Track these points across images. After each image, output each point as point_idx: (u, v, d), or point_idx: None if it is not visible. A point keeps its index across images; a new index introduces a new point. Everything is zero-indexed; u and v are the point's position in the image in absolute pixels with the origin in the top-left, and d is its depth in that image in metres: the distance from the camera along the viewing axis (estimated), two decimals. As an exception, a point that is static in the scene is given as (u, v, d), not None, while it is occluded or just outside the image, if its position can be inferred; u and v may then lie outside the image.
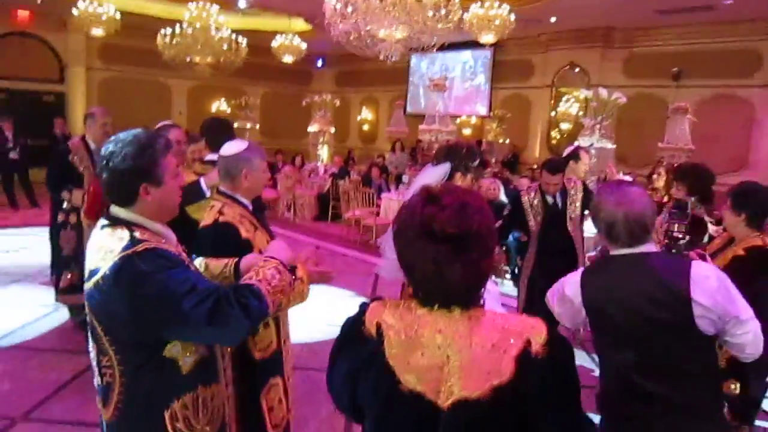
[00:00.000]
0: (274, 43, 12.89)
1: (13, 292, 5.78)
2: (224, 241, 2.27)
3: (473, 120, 15.38)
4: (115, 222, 1.59)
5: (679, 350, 1.80)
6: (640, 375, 1.82)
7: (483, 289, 1.28)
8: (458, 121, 14.51)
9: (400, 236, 1.25)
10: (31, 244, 7.72)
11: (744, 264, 2.74)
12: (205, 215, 2.43)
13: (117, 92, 14.94)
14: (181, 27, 10.97)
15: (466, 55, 15.48)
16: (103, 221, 1.63)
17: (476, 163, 3.45)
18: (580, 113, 11.72)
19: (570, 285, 1.95)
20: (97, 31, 11.05)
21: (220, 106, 16.36)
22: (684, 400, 1.79)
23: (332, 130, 13.40)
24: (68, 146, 4.66)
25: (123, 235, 1.54)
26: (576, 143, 7.77)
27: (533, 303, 4.30)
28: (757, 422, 3.16)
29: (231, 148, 2.43)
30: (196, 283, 1.53)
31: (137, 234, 1.55)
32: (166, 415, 1.60)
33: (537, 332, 1.21)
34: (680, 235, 3.00)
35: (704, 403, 1.84)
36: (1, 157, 10.63)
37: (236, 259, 2.06)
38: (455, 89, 15.17)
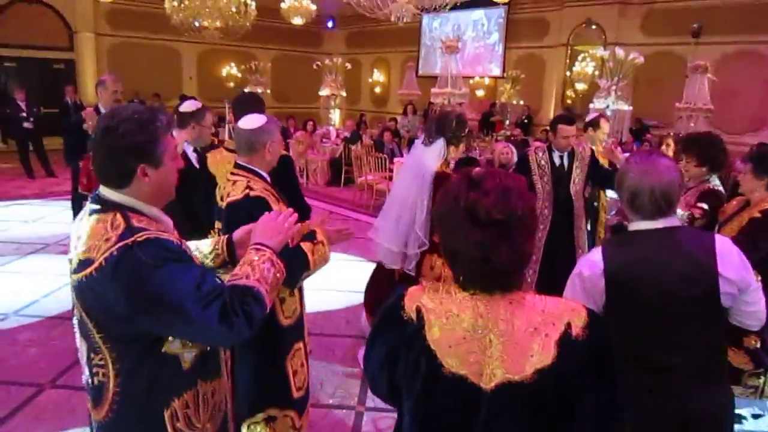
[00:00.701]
0: (283, 5, 12.65)
1: (32, 262, 5.88)
2: (258, 215, 2.24)
3: (486, 81, 15.13)
4: (107, 206, 1.44)
5: (698, 323, 1.81)
6: (657, 348, 1.82)
7: (525, 272, 1.30)
8: (471, 82, 14.29)
9: (443, 222, 1.27)
10: (48, 214, 7.83)
11: (760, 226, 2.75)
12: (227, 189, 2.41)
13: (126, 58, 14.86)
14: (188, -10, 10.80)
15: (479, 14, 15.14)
16: (91, 205, 1.47)
17: (467, 131, 3.48)
18: (596, 73, 11.47)
19: (589, 263, 1.87)
20: (104, -4, 10.91)
21: (230, 70, 16.24)
22: (695, 370, 1.82)
23: (343, 93, 13.27)
24: (82, 116, 4.66)
25: (118, 222, 1.39)
26: (591, 105, 7.64)
27: (553, 267, 4.24)
28: None
29: (252, 121, 2.40)
30: (201, 281, 1.41)
31: (134, 221, 1.41)
32: (166, 414, 1.49)
33: (577, 315, 1.24)
34: (699, 216, 3.04)
35: (713, 370, 1.87)
36: (15, 126, 10.71)
37: (227, 236, 1.95)
38: (468, 50, 14.88)
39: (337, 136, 12.14)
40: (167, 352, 1.47)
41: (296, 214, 1.84)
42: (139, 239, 1.36)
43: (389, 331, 1.34)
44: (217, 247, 1.91)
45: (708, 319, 1.82)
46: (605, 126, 4.91)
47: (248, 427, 2.55)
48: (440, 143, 3.35)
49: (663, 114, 10.24)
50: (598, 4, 12.32)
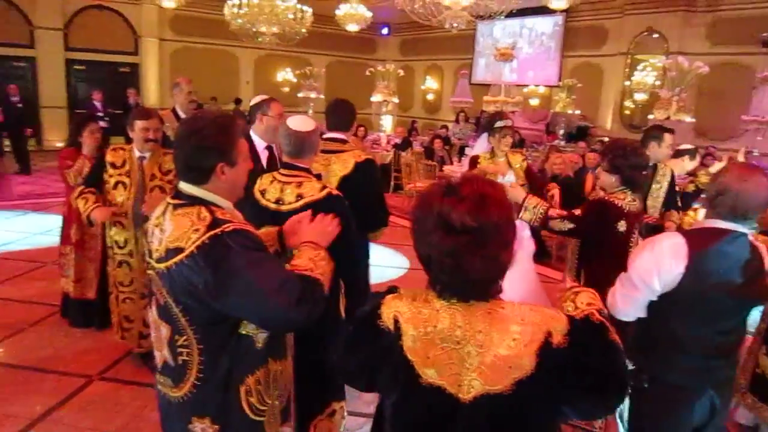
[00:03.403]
0: (339, 12, 12.80)
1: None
2: (340, 211, 2.19)
3: (541, 90, 14.86)
4: (190, 201, 1.58)
5: (743, 313, 2.09)
6: (713, 330, 2.02)
7: (502, 281, 1.26)
8: (525, 90, 14.07)
9: (417, 227, 1.23)
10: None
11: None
12: (293, 190, 2.35)
13: (187, 63, 15.33)
14: (247, -3, 11.08)
15: (535, 21, 14.91)
16: (173, 201, 1.61)
17: (498, 125, 4.15)
18: (657, 83, 11.08)
19: (670, 244, 1.96)
20: (168, 3, 11.32)
21: (285, 75, 16.53)
22: (730, 351, 2.11)
23: (395, 99, 13.29)
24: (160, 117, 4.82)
25: (204, 214, 1.52)
26: (651, 117, 7.39)
27: None
28: None
29: (306, 123, 2.43)
30: (280, 269, 1.56)
31: (218, 213, 1.54)
32: (242, 390, 1.62)
33: (557, 323, 1.20)
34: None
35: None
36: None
37: (278, 228, 1.99)
38: (522, 58, 14.65)
39: (388, 142, 12.16)
40: (244, 333, 1.60)
41: (337, 219, 1.95)
42: (227, 229, 1.50)
43: (365, 340, 1.32)
44: (268, 239, 1.95)
45: (747, 310, 2.10)
46: (668, 139, 4.52)
47: (315, 426, 2.62)
48: (483, 137, 4.43)
49: (727, 127, 9.79)
50: (660, 12, 11.90)
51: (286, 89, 16.12)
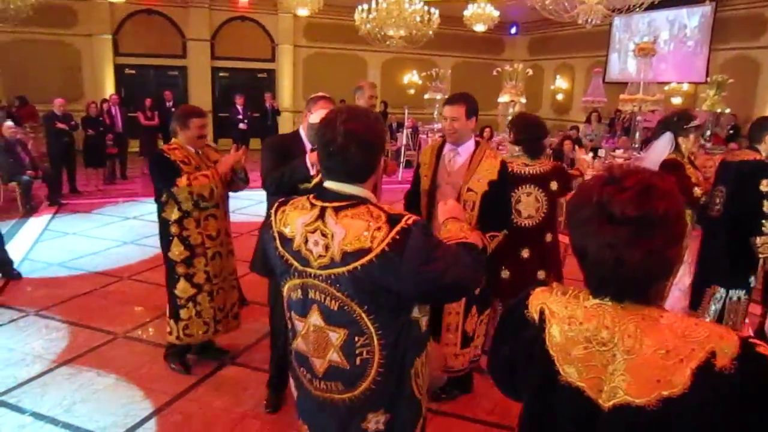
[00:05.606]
0: (466, 12, 12.71)
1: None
2: None
3: (684, 87, 13.69)
4: (353, 200, 1.53)
5: None
6: None
7: (668, 284, 1.14)
8: (666, 88, 13.03)
9: (574, 217, 1.16)
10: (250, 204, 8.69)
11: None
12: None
13: (318, 67, 16.08)
14: (376, 2, 11.35)
15: (679, 13, 13.75)
16: (328, 202, 1.54)
17: (692, 124, 3.80)
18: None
19: None
20: (303, 11, 11.91)
21: (411, 77, 16.71)
22: None
23: (523, 100, 12.90)
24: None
25: (376, 212, 1.49)
26: (820, 113, 6.51)
27: None
28: None
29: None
30: (450, 245, 1.63)
31: (386, 208, 1.52)
32: (411, 372, 1.64)
33: (726, 343, 1.03)
34: None
35: None
36: (232, 127, 12.38)
37: None
38: (664, 53, 13.59)
39: (514, 144, 11.84)
40: (413, 317, 1.62)
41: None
42: (410, 221, 1.48)
43: (511, 331, 1.31)
44: None
45: None
46: None
47: None
48: (667, 136, 3.80)
49: None
50: (835, -4, 10.49)
51: (412, 91, 16.29)
